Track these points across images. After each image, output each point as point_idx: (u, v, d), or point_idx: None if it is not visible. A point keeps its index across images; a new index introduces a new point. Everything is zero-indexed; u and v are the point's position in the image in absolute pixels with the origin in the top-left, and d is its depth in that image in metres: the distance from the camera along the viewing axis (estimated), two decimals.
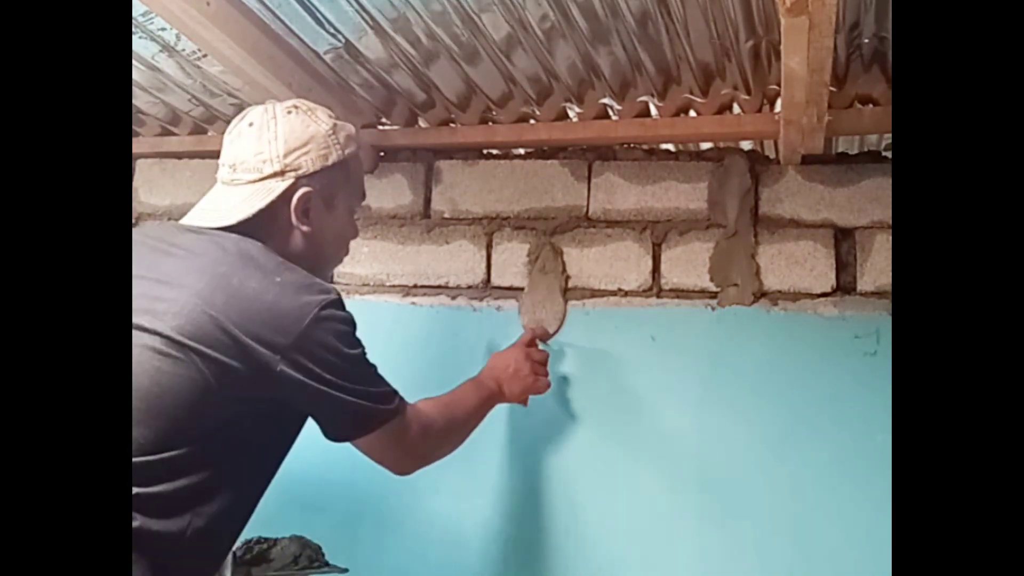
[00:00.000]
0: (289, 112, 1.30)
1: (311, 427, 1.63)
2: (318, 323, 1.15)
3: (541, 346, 1.71)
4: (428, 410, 1.35)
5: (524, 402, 1.62)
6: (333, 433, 1.25)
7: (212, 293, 1.13)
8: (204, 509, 1.12)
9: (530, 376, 1.59)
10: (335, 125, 1.33)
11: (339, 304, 1.20)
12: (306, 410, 1.22)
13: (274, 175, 1.26)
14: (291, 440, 1.27)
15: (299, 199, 1.26)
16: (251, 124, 1.29)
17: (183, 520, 1.10)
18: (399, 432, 1.27)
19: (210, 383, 1.10)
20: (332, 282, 1.52)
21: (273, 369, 1.12)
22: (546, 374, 1.64)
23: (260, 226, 1.24)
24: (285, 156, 1.26)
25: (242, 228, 1.23)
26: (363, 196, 1.42)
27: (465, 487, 1.75)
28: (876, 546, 1.50)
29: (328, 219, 1.32)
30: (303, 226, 1.28)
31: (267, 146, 1.27)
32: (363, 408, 1.22)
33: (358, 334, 1.23)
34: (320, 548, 1.65)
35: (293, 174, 1.26)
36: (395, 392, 1.27)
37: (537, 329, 1.73)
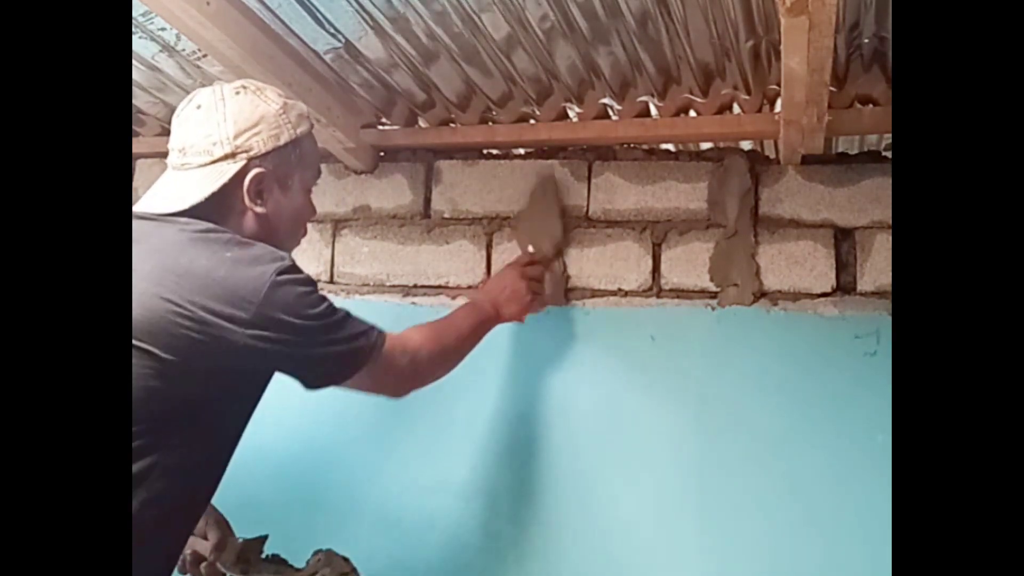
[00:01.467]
0: (237, 93, 1.28)
1: (309, 429, 1.63)
2: (275, 291, 1.15)
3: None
4: (416, 336, 1.36)
5: (521, 319, 1.64)
6: (314, 383, 1.25)
7: (161, 276, 1.13)
8: (157, 487, 1.12)
9: (527, 296, 1.61)
10: (285, 104, 1.31)
11: (293, 268, 1.19)
12: (280, 370, 1.23)
13: (225, 157, 1.24)
14: (250, 412, 1.27)
15: (251, 180, 1.25)
16: (199, 107, 1.27)
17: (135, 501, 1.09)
18: (385, 364, 1.28)
19: (160, 369, 1.10)
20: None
21: (238, 343, 1.13)
22: (542, 292, 1.67)
23: (214, 209, 1.23)
24: (235, 137, 1.25)
25: (195, 212, 1.22)
26: (318, 173, 1.40)
27: (465, 487, 1.75)
28: (876, 546, 1.50)
29: (283, 199, 1.30)
30: (257, 207, 1.27)
31: (216, 128, 1.25)
32: (338, 356, 1.23)
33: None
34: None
35: (244, 155, 1.25)
36: (371, 328, 1.27)
37: (533, 250, 1.74)
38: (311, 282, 1.21)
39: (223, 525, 1.50)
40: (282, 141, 1.28)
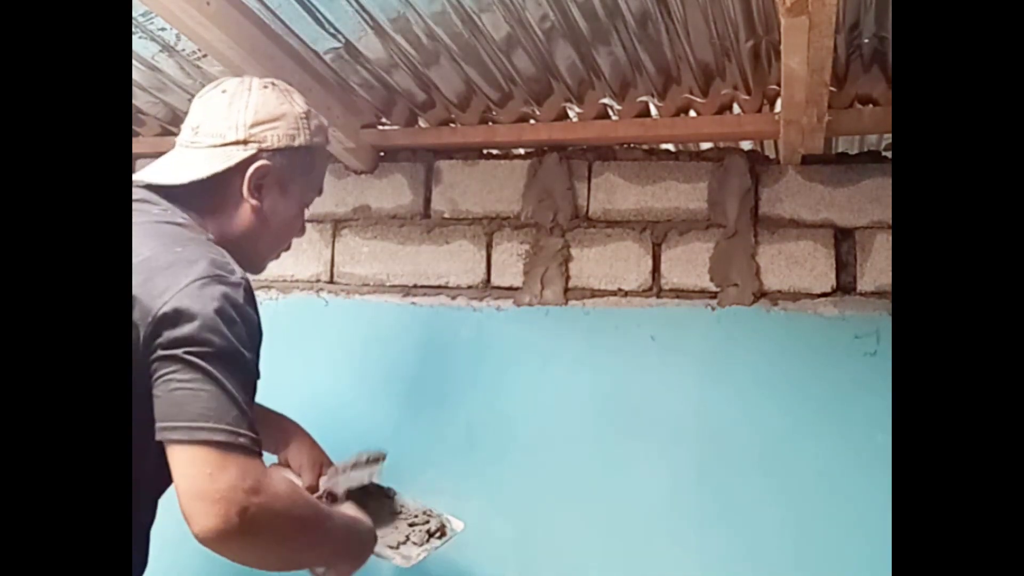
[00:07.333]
0: (265, 87, 1.28)
1: (307, 430, 1.62)
2: (195, 295, 1.03)
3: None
4: (289, 486, 1.11)
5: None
6: (162, 424, 1.02)
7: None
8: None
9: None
10: (310, 111, 1.30)
11: (237, 286, 1.08)
12: (148, 387, 1.04)
13: (236, 143, 1.23)
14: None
15: (255, 171, 1.23)
16: (224, 91, 1.27)
17: None
18: (232, 472, 1.00)
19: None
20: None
21: (138, 340, 1.03)
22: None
23: (210, 192, 1.22)
24: (251, 126, 1.24)
25: (191, 191, 1.21)
26: (319, 191, 1.38)
27: (465, 487, 1.75)
28: (876, 546, 1.50)
29: (279, 202, 1.28)
30: (252, 199, 1.25)
31: (237, 114, 1.24)
32: (203, 407, 1.01)
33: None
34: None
35: (256, 145, 1.23)
36: (256, 433, 1.05)
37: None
38: (248, 319, 1.08)
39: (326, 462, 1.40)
40: (296, 143, 1.27)
